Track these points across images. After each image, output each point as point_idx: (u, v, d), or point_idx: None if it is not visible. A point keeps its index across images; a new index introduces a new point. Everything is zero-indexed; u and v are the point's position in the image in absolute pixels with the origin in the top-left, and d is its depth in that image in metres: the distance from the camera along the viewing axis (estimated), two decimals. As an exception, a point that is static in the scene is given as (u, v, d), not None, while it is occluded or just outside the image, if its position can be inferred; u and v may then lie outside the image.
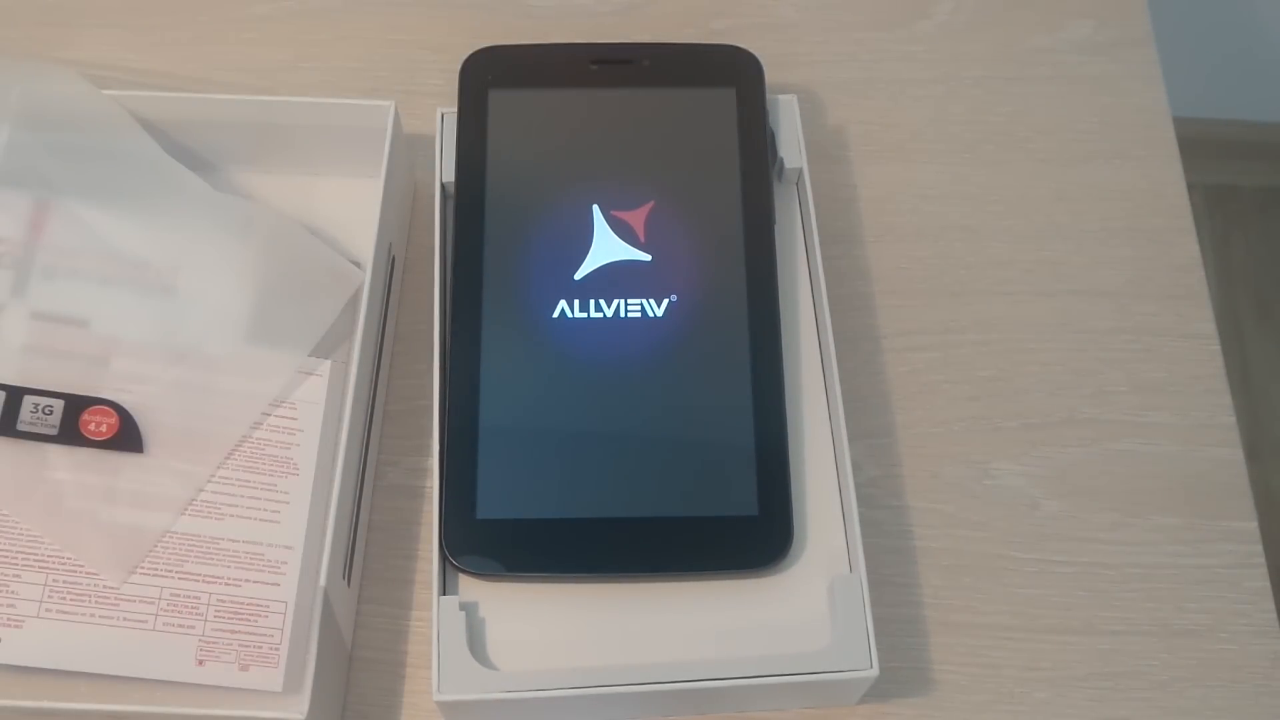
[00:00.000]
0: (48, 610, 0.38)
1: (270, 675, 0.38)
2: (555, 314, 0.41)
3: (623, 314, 0.41)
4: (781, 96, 0.47)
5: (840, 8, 0.55)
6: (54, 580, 0.39)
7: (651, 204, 0.43)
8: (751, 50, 0.46)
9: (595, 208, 0.42)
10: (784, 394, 0.40)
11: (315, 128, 0.46)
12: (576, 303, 0.41)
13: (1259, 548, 0.44)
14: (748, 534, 0.39)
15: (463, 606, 0.38)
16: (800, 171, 0.45)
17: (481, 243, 0.42)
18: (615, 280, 0.41)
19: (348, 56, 0.53)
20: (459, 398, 0.40)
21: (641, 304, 0.41)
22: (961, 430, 0.46)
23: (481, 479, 0.39)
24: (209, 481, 0.41)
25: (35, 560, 0.39)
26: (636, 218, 0.42)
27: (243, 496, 0.41)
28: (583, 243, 0.42)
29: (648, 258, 0.42)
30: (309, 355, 0.43)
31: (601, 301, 0.41)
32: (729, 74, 0.45)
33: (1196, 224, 0.50)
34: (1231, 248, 1.27)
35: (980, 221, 0.50)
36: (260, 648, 0.39)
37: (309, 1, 0.54)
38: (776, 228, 0.43)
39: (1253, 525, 0.44)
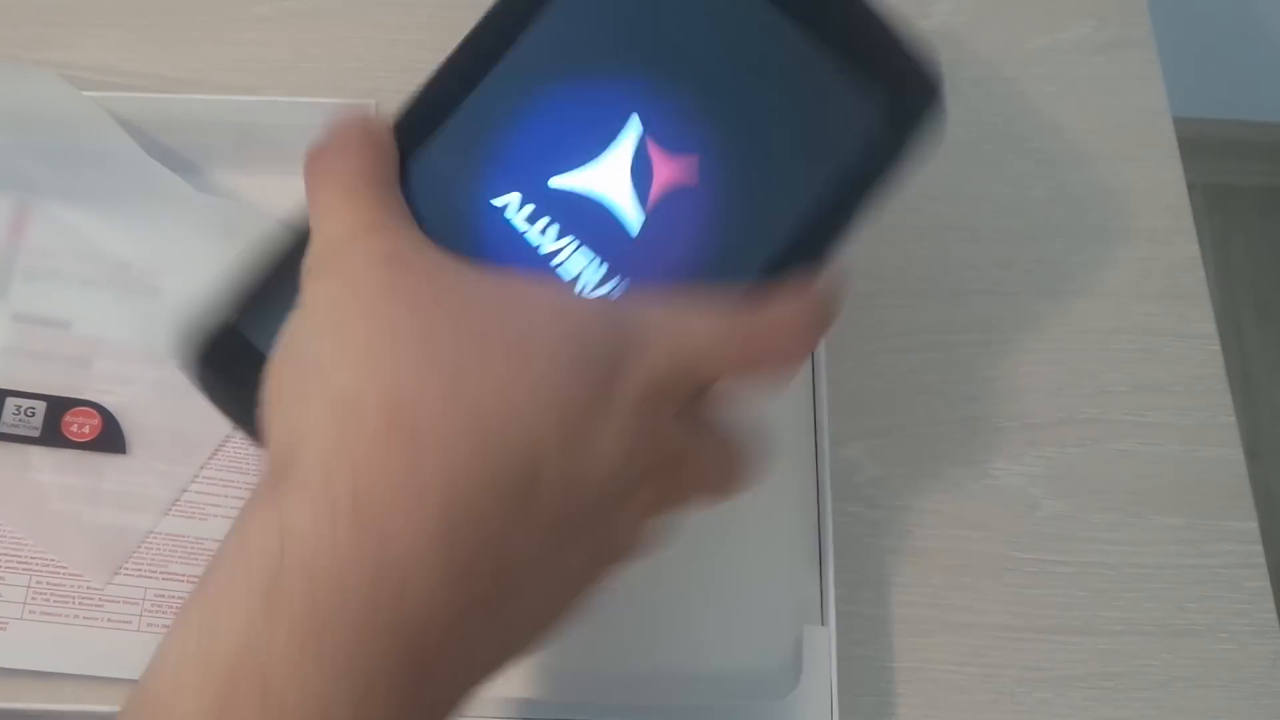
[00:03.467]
0: (31, 612, 0.38)
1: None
2: (498, 200, 0.30)
3: (556, 260, 0.30)
4: None
5: (840, 8, 0.55)
6: (37, 582, 0.39)
7: (696, 158, 0.31)
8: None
9: (635, 119, 0.31)
10: None
11: (298, 128, 0.45)
12: (529, 208, 0.30)
13: (1259, 548, 0.44)
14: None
15: None
16: None
17: (494, 58, 0.31)
18: (584, 221, 0.30)
19: (348, 56, 0.53)
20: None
21: (585, 267, 0.30)
22: (961, 430, 0.46)
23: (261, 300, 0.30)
24: (192, 482, 0.41)
25: (18, 562, 0.39)
26: (667, 168, 0.31)
27: (226, 497, 0.41)
28: (593, 149, 0.31)
29: (636, 227, 0.30)
30: None
31: (553, 228, 0.30)
32: (896, 83, 0.32)
33: (1196, 224, 0.50)
34: (1231, 248, 1.27)
35: (980, 221, 0.50)
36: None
37: (309, 1, 0.54)
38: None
39: (1253, 525, 0.44)
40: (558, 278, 0.30)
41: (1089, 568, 0.43)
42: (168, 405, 0.41)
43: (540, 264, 0.30)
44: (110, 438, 0.40)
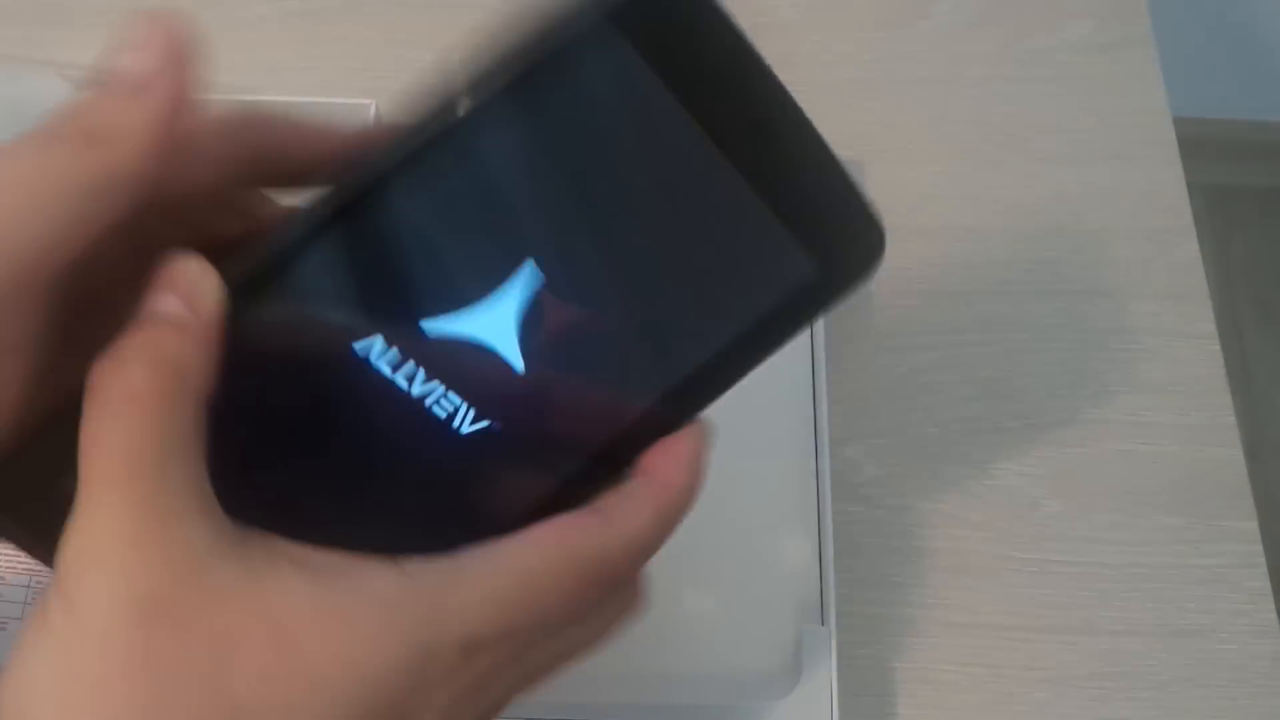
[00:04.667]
0: (31, 612, 0.38)
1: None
2: (359, 345, 0.26)
3: (426, 401, 0.27)
4: None
5: (840, 8, 0.55)
6: (38, 583, 0.39)
7: (591, 314, 0.27)
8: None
9: (530, 265, 0.27)
10: None
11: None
12: (394, 351, 0.26)
13: (1259, 548, 0.44)
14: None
15: None
16: None
17: (391, 166, 0.27)
18: (463, 361, 0.27)
19: (348, 56, 0.53)
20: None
21: (458, 408, 0.27)
22: (961, 430, 0.46)
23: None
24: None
25: (19, 563, 0.39)
26: (559, 316, 0.27)
27: None
28: (474, 289, 0.27)
29: (520, 369, 0.27)
30: None
31: (421, 372, 0.27)
32: (827, 241, 0.30)
33: (1196, 224, 0.50)
34: (1231, 248, 1.27)
35: (980, 221, 0.50)
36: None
37: (309, 1, 0.54)
38: (781, 380, 0.31)
39: (1253, 525, 0.44)
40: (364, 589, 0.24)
41: (1089, 568, 0.43)
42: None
43: (407, 410, 0.27)
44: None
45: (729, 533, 0.41)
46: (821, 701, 0.37)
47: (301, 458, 0.27)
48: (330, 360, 0.27)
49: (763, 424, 0.43)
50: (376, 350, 0.27)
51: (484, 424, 0.27)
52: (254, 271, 0.26)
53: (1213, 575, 0.43)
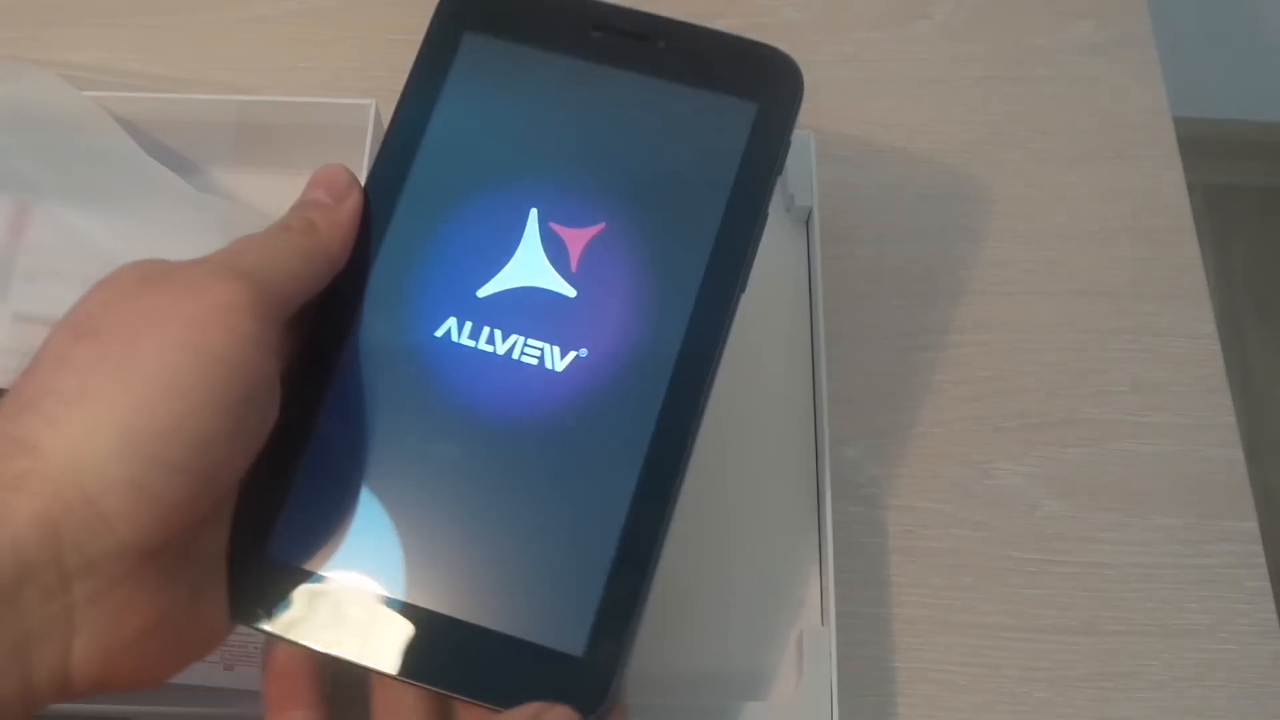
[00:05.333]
0: None
1: (255, 675, 0.38)
2: (439, 331, 0.32)
3: (516, 355, 0.32)
4: (799, 133, 0.46)
5: (840, 8, 0.55)
6: None
7: (602, 226, 0.33)
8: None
9: (534, 212, 0.33)
10: (669, 516, 0.31)
11: (296, 127, 0.46)
12: (469, 325, 0.32)
13: (1259, 548, 0.44)
14: (560, 674, 0.30)
15: None
16: (810, 210, 0.45)
17: (387, 219, 0.33)
18: (524, 310, 0.32)
19: (348, 56, 0.53)
20: (298, 401, 0.31)
21: (543, 350, 0.32)
22: (961, 430, 0.46)
23: (289, 511, 0.31)
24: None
25: None
26: (577, 239, 0.33)
27: None
28: (504, 251, 0.33)
29: (572, 293, 0.32)
30: None
31: (497, 333, 0.32)
32: (758, 84, 0.34)
33: (1196, 224, 0.50)
34: (1231, 248, 1.27)
35: (980, 221, 0.50)
36: (245, 647, 0.39)
37: (309, 1, 0.54)
38: (744, 296, 0.33)
39: (1253, 525, 0.44)
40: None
41: (1089, 568, 0.43)
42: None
43: (503, 367, 0.32)
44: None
45: (729, 533, 0.41)
46: (821, 701, 0.37)
47: (424, 442, 0.32)
48: (421, 350, 0.32)
49: (763, 424, 0.43)
50: (455, 330, 0.32)
51: (574, 354, 0.32)
52: (331, 308, 0.32)
53: (1213, 575, 0.43)
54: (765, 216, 0.33)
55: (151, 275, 0.29)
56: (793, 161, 0.45)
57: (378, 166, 0.34)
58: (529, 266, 0.33)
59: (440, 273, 0.33)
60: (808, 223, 0.45)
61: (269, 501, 0.31)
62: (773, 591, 0.40)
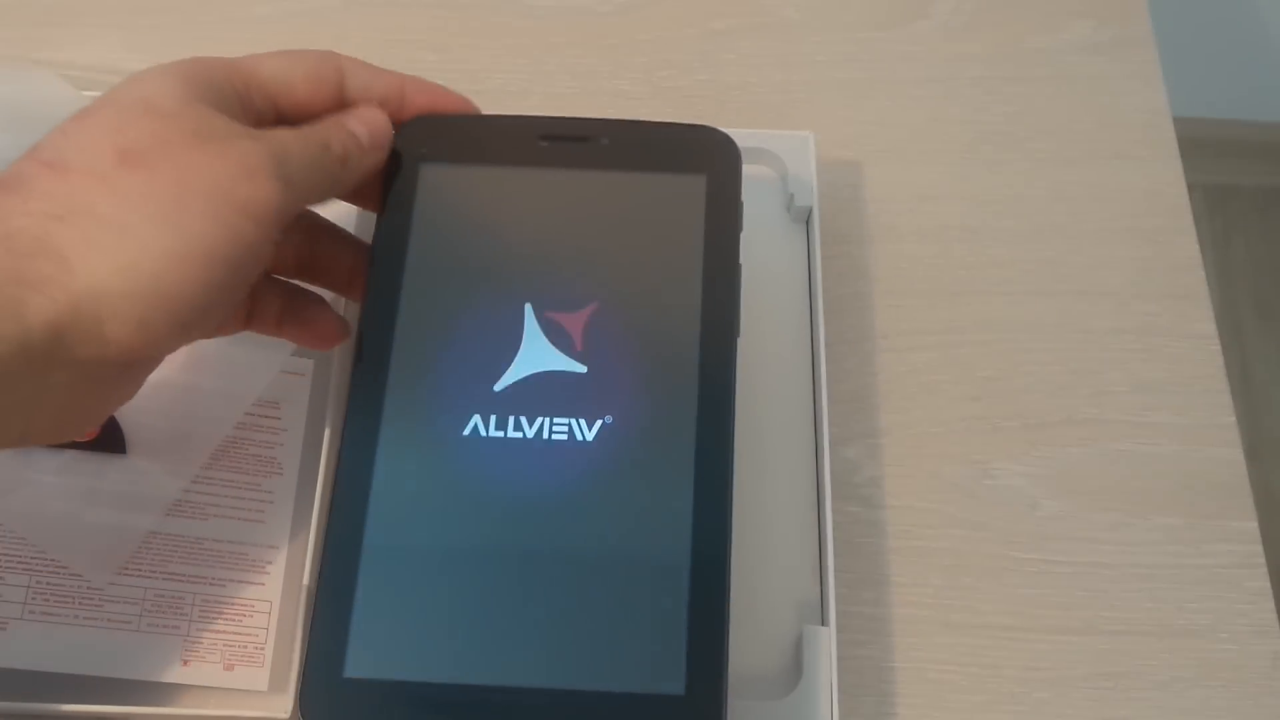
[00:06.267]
0: (31, 612, 0.38)
1: (255, 675, 0.38)
2: (466, 430, 0.34)
3: (546, 435, 0.34)
4: (798, 133, 0.45)
5: (840, 8, 0.55)
6: (38, 582, 0.39)
7: (594, 306, 0.35)
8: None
9: (528, 307, 0.35)
10: (729, 545, 0.33)
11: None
12: (493, 419, 0.34)
13: (1259, 548, 0.44)
14: (669, 717, 0.32)
15: None
16: (810, 210, 0.45)
17: (391, 335, 0.35)
18: (542, 394, 0.34)
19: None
20: (342, 524, 0.33)
21: (570, 424, 0.34)
22: (961, 430, 0.46)
23: (356, 629, 0.32)
24: (192, 482, 0.41)
25: (18, 562, 0.39)
26: (575, 321, 0.35)
27: (226, 497, 0.41)
28: (509, 346, 0.35)
29: (583, 369, 0.35)
30: (292, 355, 0.43)
31: (523, 419, 0.34)
32: (700, 158, 0.37)
33: (1196, 224, 0.50)
34: (1231, 248, 1.27)
35: (980, 221, 0.50)
36: (245, 647, 0.39)
37: (309, 1, 0.54)
38: (740, 340, 0.36)
39: (1253, 525, 0.44)
40: None
41: (1089, 568, 0.43)
42: (167, 405, 0.41)
43: (536, 448, 0.34)
44: (110, 438, 0.40)
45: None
46: (821, 701, 0.37)
47: (480, 532, 0.33)
48: (454, 450, 0.34)
49: (763, 424, 0.43)
50: (481, 425, 0.34)
51: (600, 422, 0.34)
52: (358, 429, 0.34)
53: (1213, 575, 0.43)
54: (740, 268, 0.36)
55: (206, 129, 0.31)
56: (793, 161, 0.45)
57: (370, 296, 0.36)
58: (537, 355, 0.35)
59: (453, 378, 0.35)
60: (808, 223, 0.45)
61: (339, 626, 0.32)
62: (773, 591, 0.40)
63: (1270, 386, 1.21)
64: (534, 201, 0.37)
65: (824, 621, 0.39)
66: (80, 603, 0.39)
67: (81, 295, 0.28)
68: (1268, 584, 0.43)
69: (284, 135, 0.33)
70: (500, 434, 0.34)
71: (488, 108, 0.39)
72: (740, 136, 0.38)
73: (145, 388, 0.42)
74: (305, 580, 0.37)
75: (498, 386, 0.35)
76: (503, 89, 0.52)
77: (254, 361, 0.42)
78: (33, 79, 0.46)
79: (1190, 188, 0.51)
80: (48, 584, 0.39)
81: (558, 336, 0.35)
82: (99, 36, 0.53)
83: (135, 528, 0.40)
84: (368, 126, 0.35)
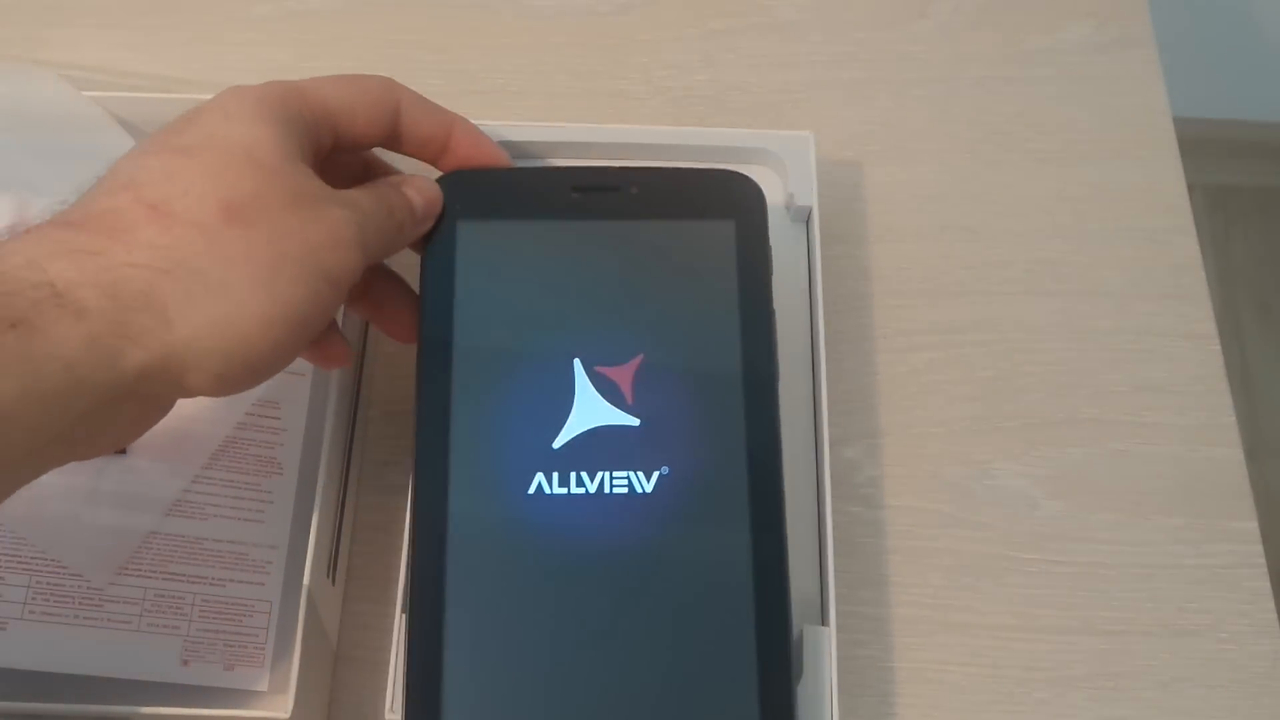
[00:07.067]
0: (31, 612, 0.38)
1: (255, 675, 0.38)
2: (531, 489, 0.35)
3: (607, 489, 0.35)
4: (798, 134, 0.45)
5: (840, 8, 0.55)
6: (38, 582, 0.39)
7: (640, 358, 0.37)
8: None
9: (577, 362, 0.36)
10: (789, 583, 0.35)
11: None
12: (555, 476, 0.35)
13: (1259, 548, 0.44)
14: None
15: None
16: (810, 210, 0.45)
17: (448, 402, 0.36)
18: (599, 449, 0.36)
19: (347, 56, 0.53)
20: (422, 593, 0.34)
21: (629, 477, 0.35)
22: (961, 430, 0.46)
23: (448, 696, 0.33)
24: (192, 482, 0.41)
25: (18, 562, 0.39)
26: (623, 374, 0.37)
27: (227, 496, 0.41)
28: (562, 404, 0.36)
29: (635, 422, 0.36)
30: None
31: (584, 474, 0.35)
32: (727, 203, 0.39)
33: (1196, 224, 0.50)
34: (1231, 248, 1.27)
35: (980, 221, 0.50)
36: (245, 647, 0.39)
37: (309, 1, 0.54)
38: (781, 381, 0.37)
39: (1253, 525, 0.44)
40: None
41: (1089, 568, 0.43)
42: (168, 405, 0.41)
43: (600, 502, 0.35)
44: (110, 438, 0.40)
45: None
46: (821, 701, 0.37)
47: (554, 591, 0.34)
48: (521, 511, 0.35)
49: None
50: (545, 484, 0.35)
51: (657, 473, 0.35)
52: (425, 497, 0.35)
53: (1213, 575, 0.43)
54: (774, 313, 0.37)
55: (302, 192, 0.32)
56: (793, 161, 0.45)
57: (423, 359, 0.37)
58: (590, 410, 0.36)
59: (512, 439, 0.36)
60: (808, 223, 0.45)
61: (431, 698, 0.33)
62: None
63: (1270, 386, 1.21)
64: (570, 254, 0.38)
65: (824, 621, 0.39)
66: (80, 603, 0.39)
67: (174, 348, 0.29)
68: (1268, 584, 0.43)
69: (361, 200, 0.34)
70: (564, 491, 0.35)
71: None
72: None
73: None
74: (306, 580, 0.37)
75: (556, 444, 0.36)
76: (503, 89, 0.52)
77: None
78: (33, 79, 0.46)
79: (1190, 188, 0.51)
80: (48, 584, 0.39)
81: (608, 390, 0.36)
82: (99, 36, 0.53)
83: (135, 528, 0.40)
84: (423, 197, 0.36)
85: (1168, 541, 0.44)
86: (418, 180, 0.37)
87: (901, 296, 0.48)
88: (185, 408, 0.41)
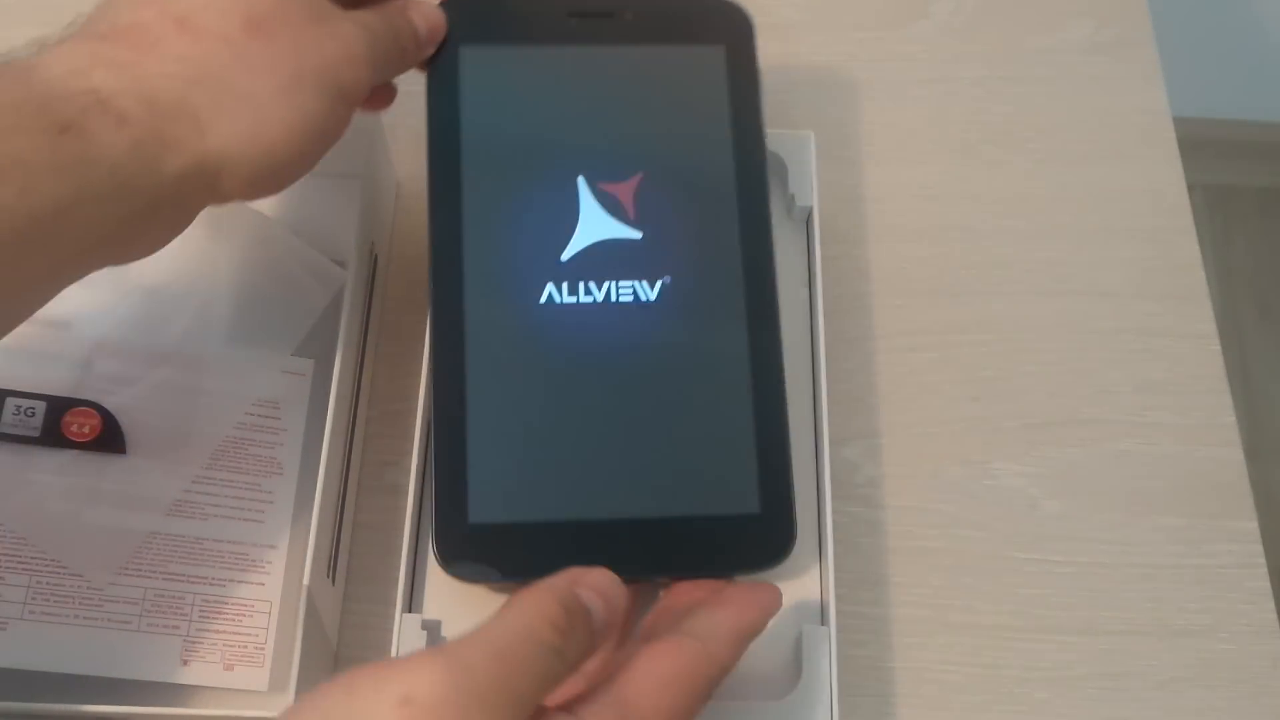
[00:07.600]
0: (31, 612, 0.38)
1: (255, 674, 0.38)
2: (543, 299, 0.38)
3: (614, 298, 0.38)
4: (798, 133, 0.45)
5: (840, 8, 0.55)
6: (38, 582, 0.39)
7: (641, 175, 0.39)
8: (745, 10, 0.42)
9: (581, 180, 0.39)
10: (784, 381, 0.38)
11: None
12: (565, 286, 0.38)
13: (1259, 548, 0.44)
14: (749, 533, 0.37)
15: (425, 625, 0.36)
16: (810, 211, 0.45)
17: (460, 222, 0.38)
18: (605, 261, 0.38)
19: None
20: (444, 395, 0.37)
21: (634, 286, 0.38)
22: (961, 430, 0.46)
23: (473, 482, 0.36)
24: (192, 482, 0.41)
25: (18, 562, 0.39)
26: (625, 190, 0.39)
27: (226, 497, 0.41)
28: (568, 220, 0.39)
29: (638, 235, 0.39)
30: (292, 355, 0.43)
31: (591, 284, 0.38)
32: (718, 30, 0.41)
33: (1196, 224, 0.50)
34: (1231, 248, 1.27)
35: (980, 221, 0.50)
36: (245, 647, 0.39)
37: (309, 1, 0.54)
38: (772, 199, 0.40)
39: (1253, 525, 0.44)
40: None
41: (1089, 568, 0.43)
42: (168, 405, 0.41)
43: (607, 310, 0.38)
44: (110, 438, 0.40)
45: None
46: (821, 701, 0.37)
47: (568, 387, 0.37)
48: (535, 318, 0.37)
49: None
50: (555, 293, 0.38)
51: (660, 282, 0.38)
52: (442, 307, 0.37)
53: (1213, 575, 0.43)
54: (764, 131, 0.40)
55: (317, 8, 0.33)
56: (793, 161, 0.45)
57: (434, 179, 0.39)
58: (595, 224, 0.39)
59: (523, 252, 0.38)
60: (808, 223, 0.45)
61: (458, 483, 0.36)
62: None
63: (1270, 386, 1.21)
64: (570, 77, 0.40)
65: (824, 621, 0.39)
66: (80, 603, 0.39)
67: (208, 155, 0.31)
68: (1268, 584, 0.43)
69: (371, 20, 0.35)
70: (574, 299, 0.38)
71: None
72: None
73: (145, 388, 0.42)
74: (305, 579, 0.37)
75: (564, 256, 0.38)
76: None
77: (254, 362, 0.42)
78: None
79: (1190, 188, 0.51)
80: (48, 584, 0.39)
81: (612, 206, 0.39)
82: (99, 36, 0.53)
83: (135, 528, 0.40)
84: (427, 23, 0.38)
85: (1168, 541, 0.44)
86: (422, 5, 0.38)
87: (901, 296, 0.48)
88: (185, 407, 0.41)
